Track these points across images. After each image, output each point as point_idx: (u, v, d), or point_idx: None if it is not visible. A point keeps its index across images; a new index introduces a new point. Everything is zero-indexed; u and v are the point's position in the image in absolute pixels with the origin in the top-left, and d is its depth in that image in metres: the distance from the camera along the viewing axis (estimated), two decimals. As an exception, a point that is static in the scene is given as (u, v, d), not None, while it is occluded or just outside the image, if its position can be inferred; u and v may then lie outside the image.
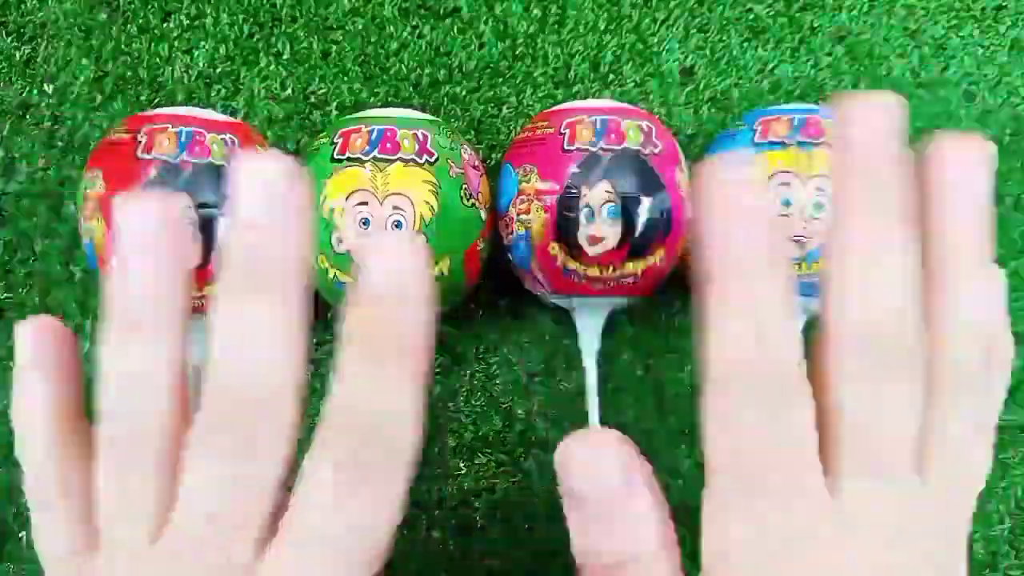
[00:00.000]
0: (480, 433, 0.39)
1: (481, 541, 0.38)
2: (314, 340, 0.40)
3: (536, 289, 0.36)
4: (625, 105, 0.35)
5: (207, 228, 0.33)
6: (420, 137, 0.33)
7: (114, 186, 0.32)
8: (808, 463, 0.18)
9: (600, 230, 0.32)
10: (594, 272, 0.33)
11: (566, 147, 0.33)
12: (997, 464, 0.39)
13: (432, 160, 0.33)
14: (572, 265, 0.33)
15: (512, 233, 0.34)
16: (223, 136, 0.34)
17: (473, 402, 0.40)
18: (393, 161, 0.32)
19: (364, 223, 0.32)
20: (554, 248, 0.33)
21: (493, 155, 0.43)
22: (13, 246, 0.41)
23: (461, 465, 0.39)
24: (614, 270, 0.33)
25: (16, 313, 0.40)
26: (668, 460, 0.38)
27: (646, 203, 0.32)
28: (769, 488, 0.18)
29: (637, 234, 0.32)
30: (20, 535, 0.38)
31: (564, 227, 0.33)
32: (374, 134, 0.33)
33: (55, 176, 0.42)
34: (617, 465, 0.19)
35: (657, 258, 0.33)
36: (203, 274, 0.33)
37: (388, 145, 0.33)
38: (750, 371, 0.18)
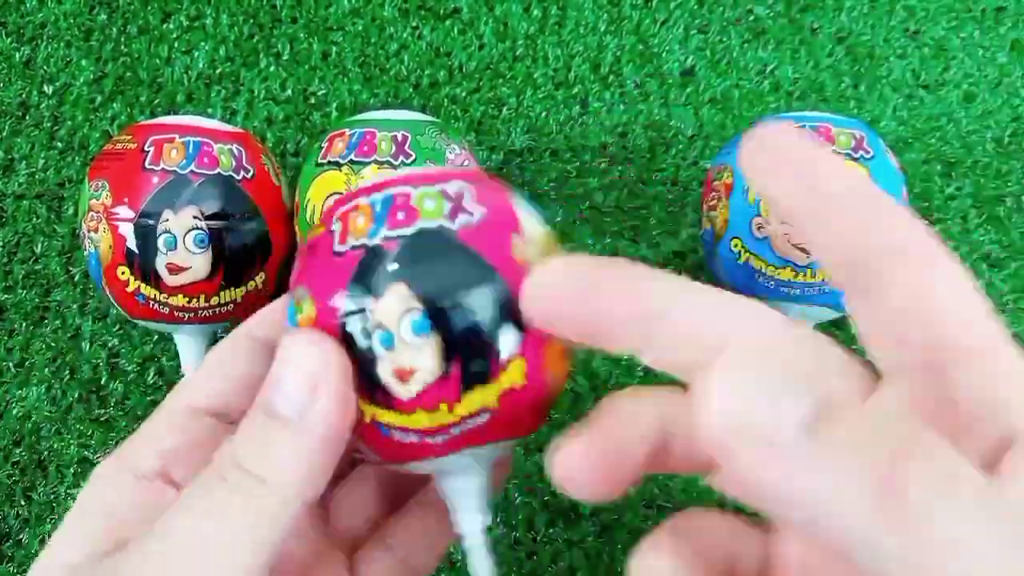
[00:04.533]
0: (480, 434, 0.39)
1: (481, 542, 0.38)
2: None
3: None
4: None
5: (216, 240, 0.33)
6: (399, 139, 0.33)
7: (121, 197, 0.32)
8: None
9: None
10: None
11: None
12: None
13: (409, 161, 0.33)
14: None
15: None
16: (230, 146, 0.34)
17: (473, 403, 0.40)
18: (367, 164, 0.32)
19: None
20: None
21: (493, 156, 0.43)
22: (13, 246, 0.41)
23: (461, 466, 0.39)
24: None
25: (16, 313, 0.40)
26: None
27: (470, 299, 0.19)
28: None
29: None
30: (20, 535, 0.38)
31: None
32: (354, 137, 0.33)
33: (55, 176, 0.42)
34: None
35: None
36: (212, 285, 0.33)
37: (365, 148, 0.33)
38: None
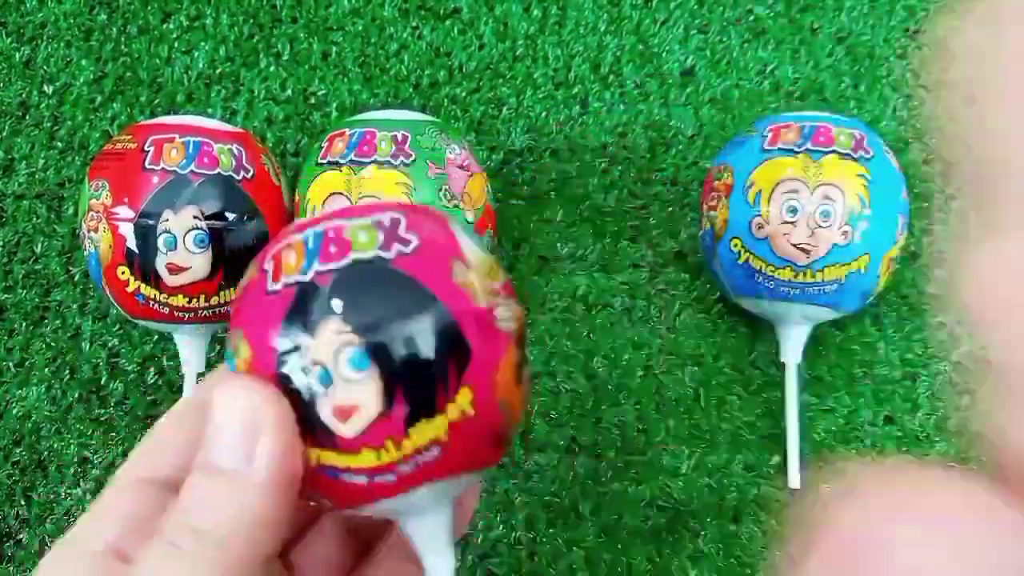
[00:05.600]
0: (480, 434, 0.39)
1: (481, 543, 0.38)
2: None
3: None
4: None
5: (216, 240, 0.33)
6: (399, 138, 0.33)
7: (121, 197, 0.32)
8: None
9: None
10: None
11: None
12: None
13: (409, 161, 0.33)
14: None
15: None
16: (229, 146, 0.34)
17: (473, 403, 0.40)
18: (367, 164, 0.33)
19: None
20: None
21: (493, 156, 0.43)
22: (13, 246, 0.41)
23: (461, 466, 0.39)
24: None
25: (16, 313, 0.40)
26: (668, 460, 0.38)
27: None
28: None
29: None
30: (20, 535, 0.38)
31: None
32: (354, 137, 0.33)
33: (55, 176, 0.42)
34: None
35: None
36: (212, 285, 0.33)
37: (365, 148, 0.33)
38: None
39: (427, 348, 0.18)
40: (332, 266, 0.19)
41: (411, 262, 0.19)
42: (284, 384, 0.18)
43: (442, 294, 0.19)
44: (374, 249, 0.19)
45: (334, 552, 0.24)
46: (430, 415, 0.18)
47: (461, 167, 0.34)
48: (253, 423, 0.17)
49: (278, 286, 0.19)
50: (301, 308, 0.18)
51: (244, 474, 0.17)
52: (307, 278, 0.19)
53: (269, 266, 0.19)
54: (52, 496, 0.38)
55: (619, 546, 0.38)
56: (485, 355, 0.19)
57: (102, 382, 0.40)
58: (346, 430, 0.18)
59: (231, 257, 0.33)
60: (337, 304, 0.18)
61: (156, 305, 0.33)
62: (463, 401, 0.18)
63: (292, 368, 0.18)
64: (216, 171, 0.33)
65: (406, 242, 0.19)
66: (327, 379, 0.18)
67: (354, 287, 0.18)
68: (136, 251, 0.32)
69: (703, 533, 0.37)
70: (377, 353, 0.18)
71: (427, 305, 0.18)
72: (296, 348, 0.18)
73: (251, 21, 0.44)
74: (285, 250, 0.19)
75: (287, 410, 0.18)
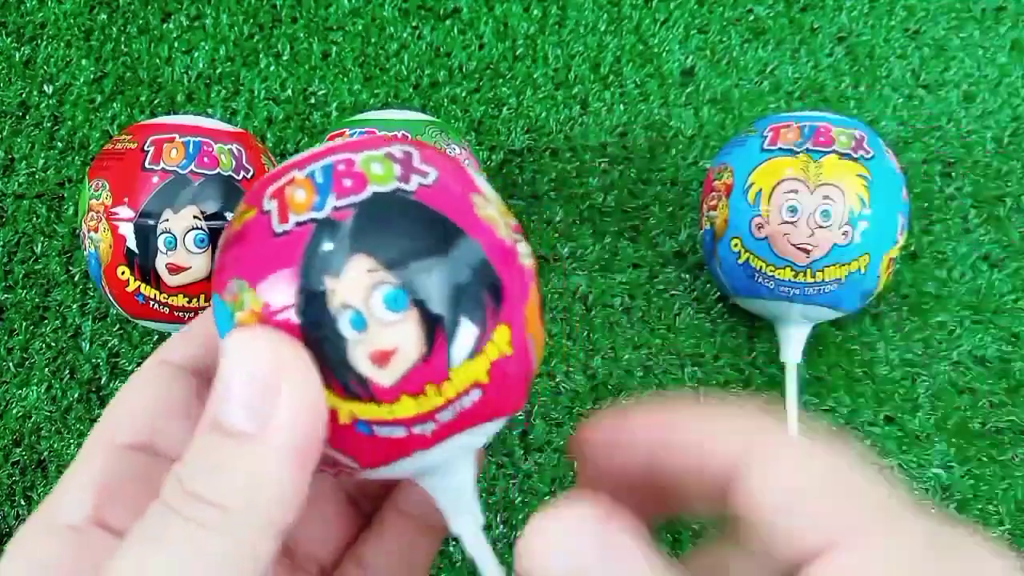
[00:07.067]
0: (480, 434, 0.39)
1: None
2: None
3: None
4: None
5: (216, 240, 0.33)
6: (399, 139, 0.33)
7: (121, 197, 0.32)
8: None
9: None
10: None
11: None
12: (997, 465, 0.39)
13: None
14: None
15: None
16: (230, 146, 0.34)
17: (473, 403, 0.40)
18: None
19: None
20: None
21: (493, 156, 0.43)
22: (13, 246, 0.41)
23: (461, 466, 0.39)
24: None
25: (16, 313, 0.40)
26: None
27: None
28: None
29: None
30: (19, 536, 0.38)
31: None
32: (354, 137, 0.33)
33: (55, 176, 0.42)
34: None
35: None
36: (211, 285, 0.33)
37: None
38: None
39: (465, 285, 0.17)
40: (350, 200, 0.17)
41: (433, 194, 0.17)
42: (306, 334, 0.16)
43: (470, 228, 0.17)
44: (393, 181, 0.17)
45: (331, 519, 0.22)
46: (471, 356, 0.17)
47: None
48: (270, 377, 0.15)
49: (288, 226, 0.17)
50: (320, 248, 0.16)
51: (260, 437, 0.15)
52: (323, 214, 0.17)
53: (271, 205, 0.17)
54: (52, 496, 0.38)
55: (619, 546, 0.38)
56: (515, 291, 0.18)
57: (102, 382, 0.40)
58: (384, 377, 0.16)
59: (231, 257, 0.33)
60: (363, 241, 0.16)
61: (156, 305, 0.33)
62: (501, 340, 0.17)
63: (316, 315, 0.16)
64: (216, 171, 0.33)
65: (424, 174, 0.17)
66: (360, 323, 0.16)
67: (379, 221, 0.17)
68: (136, 251, 0.32)
69: (703, 533, 0.37)
70: (415, 292, 0.16)
71: (459, 239, 0.17)
72: (320, 292, 0.16)
73: (251, 21, 0.44)
74: (288, 187, 0.17)
75: (310, 363, 0.16)
